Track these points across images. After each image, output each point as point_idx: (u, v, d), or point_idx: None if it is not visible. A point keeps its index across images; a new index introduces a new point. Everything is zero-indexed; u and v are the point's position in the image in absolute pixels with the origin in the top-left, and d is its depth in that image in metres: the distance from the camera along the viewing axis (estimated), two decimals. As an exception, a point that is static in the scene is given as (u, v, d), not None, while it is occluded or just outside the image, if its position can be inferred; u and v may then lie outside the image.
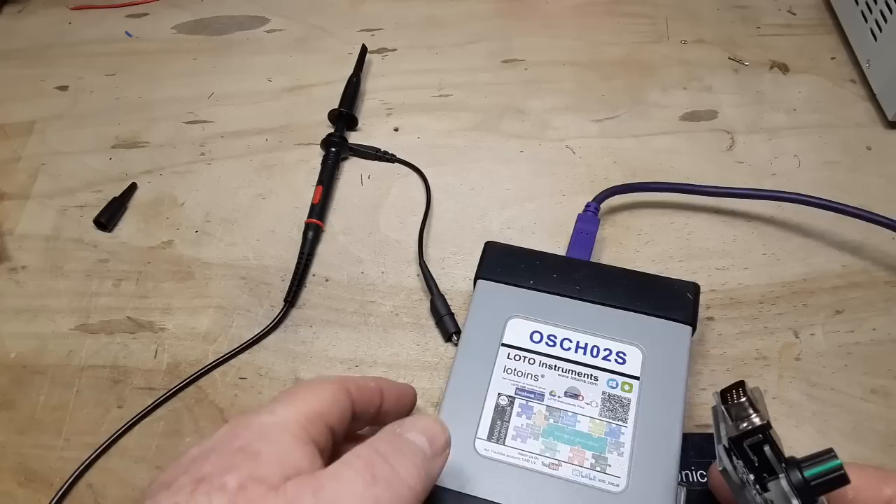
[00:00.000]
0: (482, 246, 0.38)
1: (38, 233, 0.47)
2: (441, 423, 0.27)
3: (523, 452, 0.31)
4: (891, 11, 0.47)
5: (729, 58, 0.54)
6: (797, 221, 0.45)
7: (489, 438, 0.31)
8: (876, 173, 0.47)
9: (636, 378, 0.33)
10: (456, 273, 0.43)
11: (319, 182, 0.47)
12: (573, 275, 0.36)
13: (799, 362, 0.39)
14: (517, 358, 0.33)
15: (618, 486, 0.30)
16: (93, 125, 0.53)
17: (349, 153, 0.49)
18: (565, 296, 0.35)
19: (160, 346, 0.41)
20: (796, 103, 0.51)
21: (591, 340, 0.34)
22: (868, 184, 0.46)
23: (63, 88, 0.55)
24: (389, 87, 0.54)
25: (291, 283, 0.43)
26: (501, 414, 0.32)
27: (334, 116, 0.50)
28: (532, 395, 0.32)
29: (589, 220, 0.42)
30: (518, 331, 0.34)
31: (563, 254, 0.39)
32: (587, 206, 0.43)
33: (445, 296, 0.41)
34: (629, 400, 0.32)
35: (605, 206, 0.44)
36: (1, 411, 0.39)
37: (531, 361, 0.33)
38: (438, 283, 0.42)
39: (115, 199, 0.47)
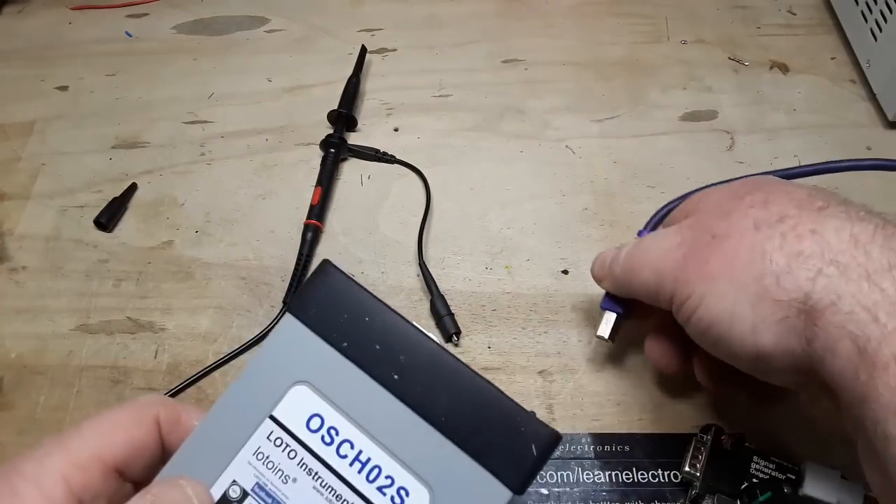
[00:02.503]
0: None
1: (38, 233, 0.47)
2: (190, 498, 0.22)
3: None
4: (891, 11, 0.47)
5: (729, 58, 0.54)
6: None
7: None
8: (876, 173, 0.47)
9: None
10: (456, 273, 0.43)
11: (318, 183, 0.47)
12: (401, 355, 0.25)
13: (799, 362, 0.39)
14: (278, 443, 0.24)
15: None
16: (93, 125, 0.52)
17: (348, 154, 0.49)
18: (378, 381, 0.24)
19: (160, 346, 0.41)
20: (796, 103, 0.51)
21: (377, 456, 0.24)
22: (868, 184, 0.46)
23: (63, 88, 0.55)
24: (389, 88, 0.54)
25: (290, 284, 0.43)
26: None
27: (333, 117, 0.50)
28: (269, 502, 0.24)
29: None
30: (298, 405, 0.25)
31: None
32: (639, 234, 0.37)
33: (445, 296, 0.41)
34: None
35: (604, 210, 0.44)
36: (1, 411, 0.39)
37: (292, 455, 0.24)
38: (438, 284, 0.42)
39: (115, 199, 0.47)
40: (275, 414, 0.24)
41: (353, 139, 0.50)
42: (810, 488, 0.31)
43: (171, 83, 0.55)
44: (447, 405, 0.24)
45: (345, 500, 0.23)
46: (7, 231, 0.47)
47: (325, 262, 0.26)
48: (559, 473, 0.35)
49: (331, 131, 0.50)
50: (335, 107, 0.50)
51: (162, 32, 0.59)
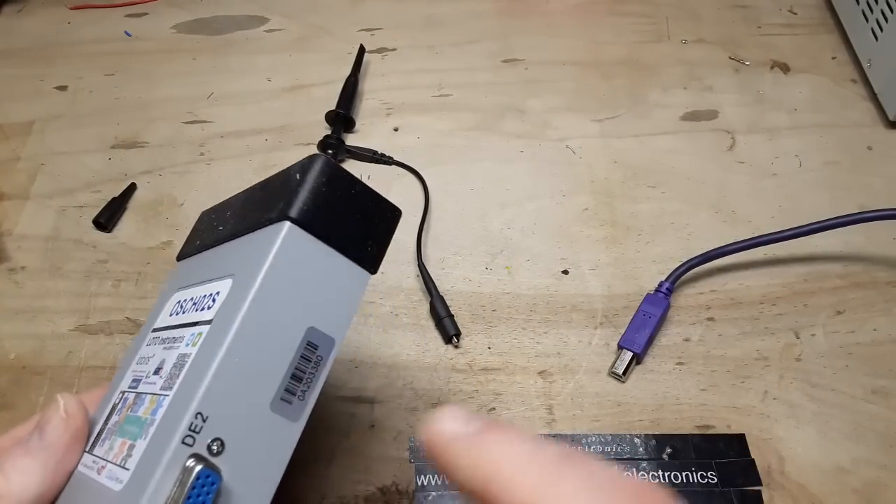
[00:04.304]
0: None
1: (37, 233, 0.47)
2: (57, 410, 0.25)
3: (96, 460, 0.24)
4: (892, 11, 0.47)
5: (730, 57, 0.54)
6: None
7: (90, 449, 0.25)
8: (877, 173, 0.47)
9: (208, 323, 0.24)
10: (456, 273, 0.43)
11: (319, 182, 0.47)
12: (227, 212, 0.29)
13: (800, 363, 0.39)
14: (149, 342, 0.28)
15: (120, 481, 0.22)
16: (92, 125, 0.52)
17: (346, 155, 0.49)
18: (213, 245, 0.29)
19: (159, 346, 0.41)
20: (797, 103, 0.51)
21: (203, 290, 0.26)
22: (869, 184, 0.46)
23: (62, 88, 0.55)
24: (389, 87, 0.54)
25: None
26: (109, 416, 0.26)
27: (331, 118, 0.50)
28: (135, 385, 0.26)
29: (656, 303, 0.40)
30: (169, 308, 0.29)
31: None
32: (659, 285, 0.41)
33: (445, 296, 0.41)
34: (188, 358, 0.23)
35: (604, 210, 0.44)
36: (0, 412, 0.39)
37: (156, 342, 0.27)
38: (438, 284, 0.42)
39: (114, 199, 0.47)
40: (155, 325, 0.29)
41: (354, 139, 0.50)
42: None
43: (170, 83, 0.55)
44: (249, 217, 0.27)
45: (176, 339, 0.26)
46: (6, 231, 0.47)
47: (203, 212, 0.33)
48: (559, 474, 0.35)
49: (328, 132, 0.50)
50: (335, 107, 0.50)
51: (161, 32, 0.59)
